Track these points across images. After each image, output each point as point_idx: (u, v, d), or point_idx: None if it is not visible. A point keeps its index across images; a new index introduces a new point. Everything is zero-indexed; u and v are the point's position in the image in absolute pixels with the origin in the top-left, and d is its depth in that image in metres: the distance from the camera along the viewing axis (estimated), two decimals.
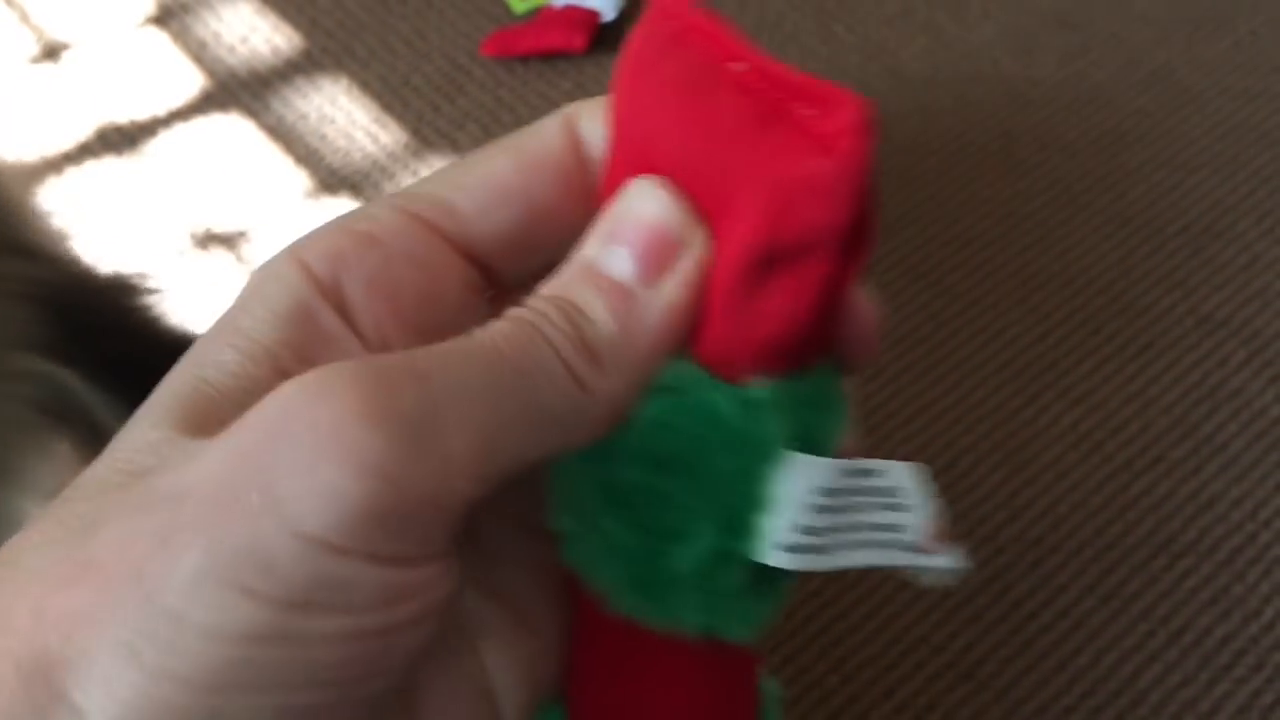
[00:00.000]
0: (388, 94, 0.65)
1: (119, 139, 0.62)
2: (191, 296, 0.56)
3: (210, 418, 0.17)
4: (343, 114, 0.63)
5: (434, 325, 0.19)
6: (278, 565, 0.15)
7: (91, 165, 0.61)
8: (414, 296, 0.19)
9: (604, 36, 0.67)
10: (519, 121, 0.64)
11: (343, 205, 0.60)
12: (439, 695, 0.19)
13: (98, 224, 0.59)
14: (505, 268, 0.20)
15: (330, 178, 0.61)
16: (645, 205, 0.18)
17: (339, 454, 0.15)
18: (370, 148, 0.62)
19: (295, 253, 0.19)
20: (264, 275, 0.19)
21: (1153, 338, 0.58)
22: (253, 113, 0.63)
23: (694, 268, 0.18)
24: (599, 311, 0.18)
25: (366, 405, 0.15)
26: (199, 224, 0.59)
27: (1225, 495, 0.53)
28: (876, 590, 0.49)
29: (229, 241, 0.58)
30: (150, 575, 0.15)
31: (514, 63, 0.66)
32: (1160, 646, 0.49)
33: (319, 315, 0.18)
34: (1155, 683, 0.48)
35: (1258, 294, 0.59)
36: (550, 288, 0.18)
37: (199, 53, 0.66)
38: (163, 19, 0.67)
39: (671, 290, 0.18)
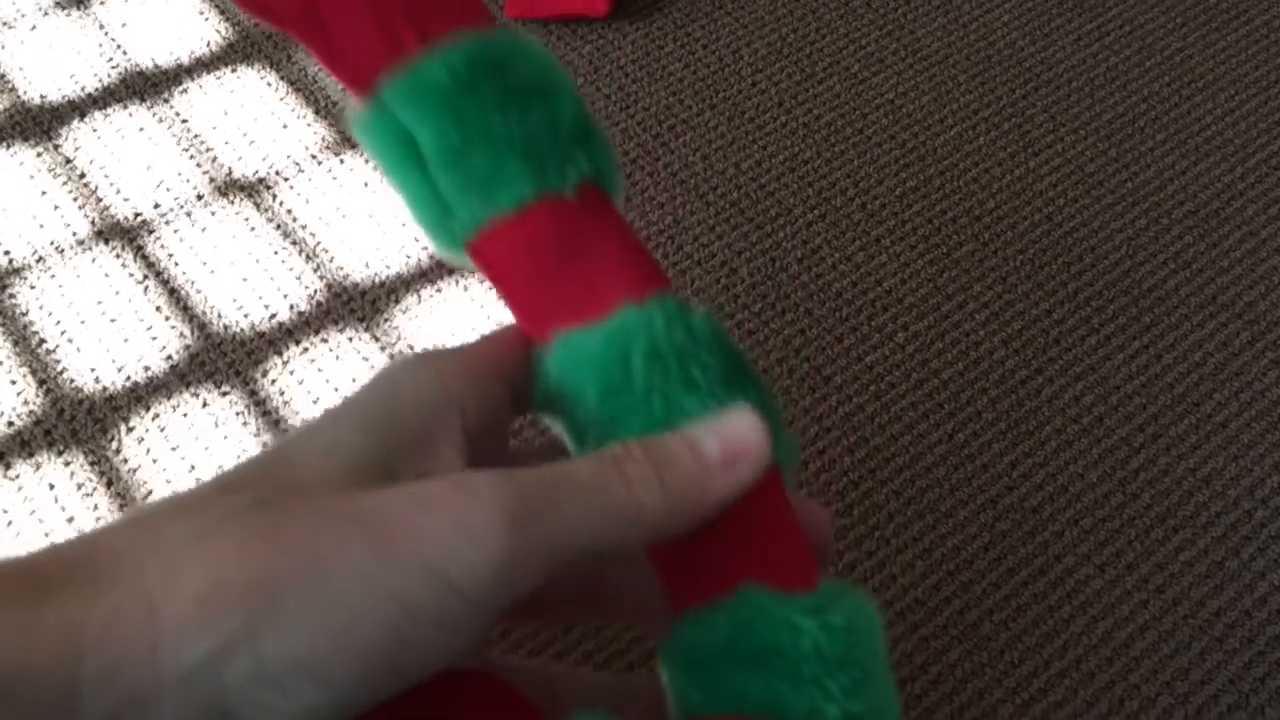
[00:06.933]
0: None
1: (144, 85, 0.63)
2: (211, 243, 0.57)
3: (380, 467, 0.24)
4: None
5: (489, 419, 0.27)
6: (413, 593, 0.21)
7: (115, 111, 0.62)
8: (491, 387, 0.27)
9: (625, 2, 0.68)
10: None
11: (362, 159, 0.60)
12: None
13: (121, 168, 0.59)
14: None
15: (351, 131, 0.61)
16: (741, 424, 0.25)
17: (482, 534, 0.22)
18: None
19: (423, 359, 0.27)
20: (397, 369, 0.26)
21: (1157, 317, 0.58)
22: (275, 64, 0.64)
23: (752, 475, 0.25)
24: (686, 463, 0.25)
25: (499, 506, 0.22)
26: (220, 171, 0.60)
27: (1223, 472, 0.54)
28: (874, 553, 0.50)
29: (249, 190, 0.59)
30: (329, 561, 0.21)
31: (537, 24, 0.67)
32: (1154, 616, 0.49)
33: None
34: (1148, 651, 0.49)
35: (1263, 278, 0.60)
36: (652, 442, 0.25)
37: (223, 2, 0.66)
38: None
39: (733, 484, 0.25)
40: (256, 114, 0.62)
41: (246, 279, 0.56)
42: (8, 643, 0.19)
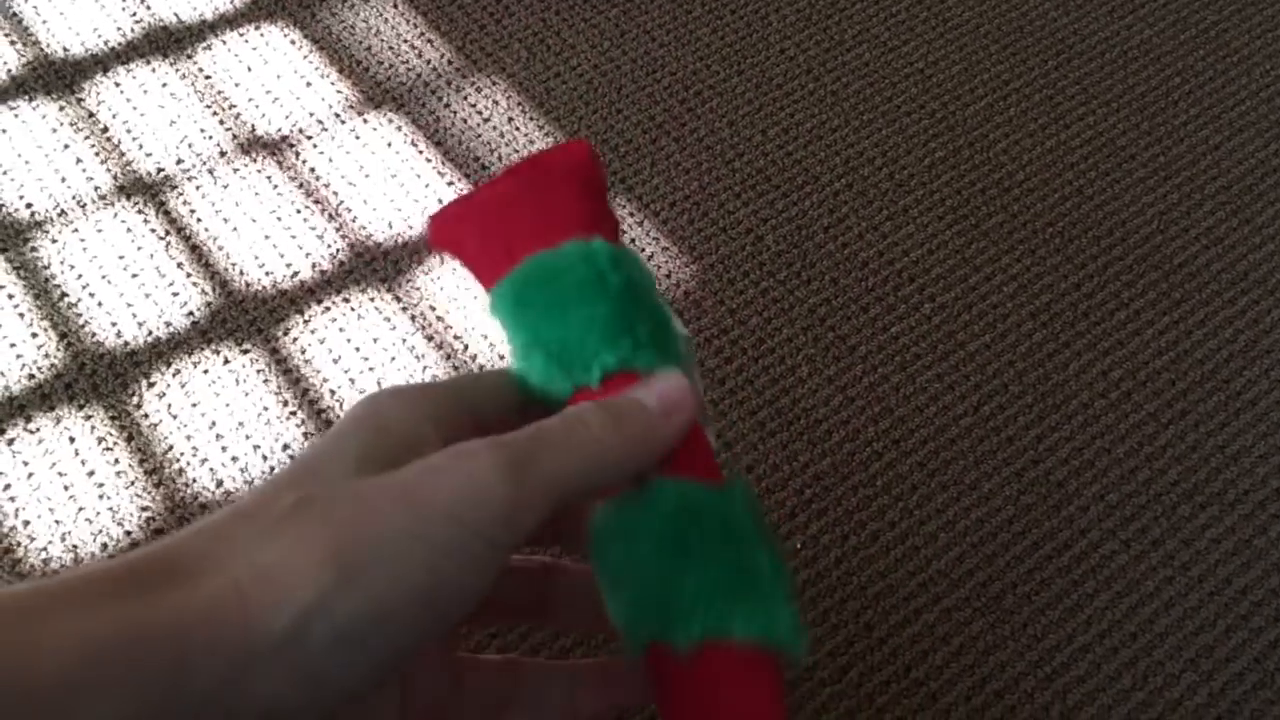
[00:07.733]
0: (435, 11, 0.64)
1: (167, 41, 0.62)
2: (234, 200, 0.57)
3: (381, 464, 0.28)
4: (390, 28, 0.63)
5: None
6: (443, 538, 0.26)
7: (138, 66, 0.61)
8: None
9: None
10: (563, 46, 0.64)
11: (385, 118, 0.60)
12: None
13: (144, 123, 0.59)
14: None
15: (374, 91, 0.61)
16: (673, 383, 0.31)
17: (487, 484, 0.27)
18: (415, 63, 0.62)
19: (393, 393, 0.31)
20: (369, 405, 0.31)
21: (1187, 293, 0.58)
22: (299, 21, 0.63)
23: (685, 423, 0.31)
24: (635, 413, 0.30)
25: (496, 460, 0.27)
26: (243, 128, 0.59)
27: (1252, 449, 0.53)
28: (898, 524, 0.50)
29: (272, 147, 0.59)
30: (376, 528, 0.26)
31: None
32: (1179, 593, 0.49)
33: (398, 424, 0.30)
34: (1173, 627, 0.48)
35: None
36: (609, 400, 0.30)
37: None
38: None
39: (673, 429, 0.30)
40: (280, 71, 0.61)
41: (269, 236, 0.56)
42: (129, 626, 0.24)
